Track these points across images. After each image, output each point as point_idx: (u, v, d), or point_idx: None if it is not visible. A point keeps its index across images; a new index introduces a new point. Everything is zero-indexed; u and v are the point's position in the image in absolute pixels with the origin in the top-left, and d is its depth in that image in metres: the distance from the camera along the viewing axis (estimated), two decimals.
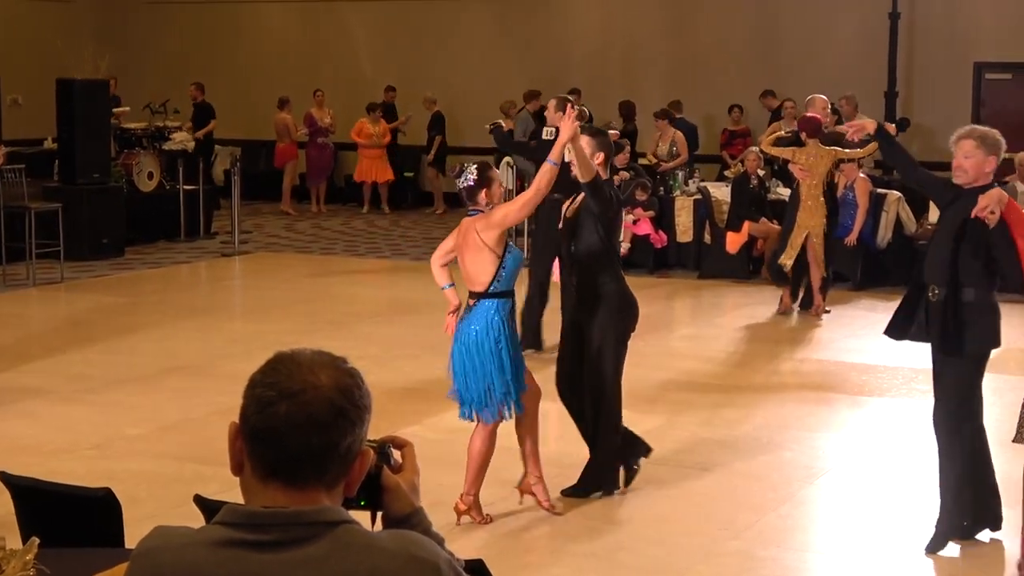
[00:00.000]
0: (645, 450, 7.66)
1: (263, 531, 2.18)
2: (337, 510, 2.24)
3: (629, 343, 7.56)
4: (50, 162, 17.91)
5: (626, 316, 7.44)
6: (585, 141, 7.29)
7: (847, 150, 12.73)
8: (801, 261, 12.96)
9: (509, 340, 6.87)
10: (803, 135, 12.88)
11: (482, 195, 6.82)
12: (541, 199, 7.02)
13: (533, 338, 10.95)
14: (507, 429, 7.10)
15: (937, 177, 7.07)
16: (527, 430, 7.11)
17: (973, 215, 6.35)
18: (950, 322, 6.55)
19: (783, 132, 14.28)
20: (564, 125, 6.90)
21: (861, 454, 8.51)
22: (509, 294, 6.93)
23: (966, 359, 6.67)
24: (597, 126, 11.37)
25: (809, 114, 13.23)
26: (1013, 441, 6.68)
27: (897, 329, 6.95)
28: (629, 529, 7.02)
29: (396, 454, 2.47)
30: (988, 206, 6.35)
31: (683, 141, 17.82)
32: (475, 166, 6.88)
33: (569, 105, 7.29)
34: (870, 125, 7.21)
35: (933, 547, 6.71)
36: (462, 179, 6.84)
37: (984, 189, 6.57)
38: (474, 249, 6.82)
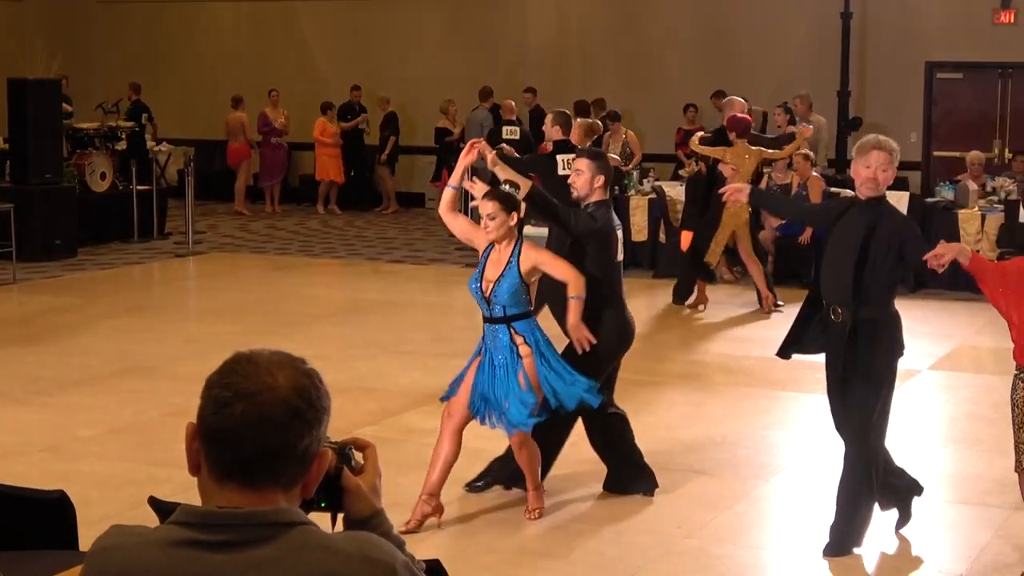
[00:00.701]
0: (649, 487, 7.58)
1: (217, 531, 2.17)
2: (293, 511, 2.23)
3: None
4: (1, 162, 17.77)
5: (612, 339, 7.32)
6: (585, 164, 7.28)
7: (771, 150, 13.16)
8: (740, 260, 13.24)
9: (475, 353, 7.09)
10: (732, 135, 13.03)
11: None
12: (443, 215, 7.18)
13: None
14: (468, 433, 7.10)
15: (816, 204, 6.98)
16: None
17: (928, 262, 6.08)
18: (859, 344, 6.31)
19: (706, 132, 14.53)
20: (463, 153, 7.19)
21: (816, 451, 8.54)
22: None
23: (876, 379, 6.46)
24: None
25: (739, 115, 13.34)
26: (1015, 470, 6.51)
27: (789, 348, 6.77)
28: (586, 528, 7.03)
29: (357, 455, 2.46)
30: (946, 257, 6.04)
31: (636, 141, 17.89)
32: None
33: (473, 141, 7.33)
34: (743, 194, 7.11)
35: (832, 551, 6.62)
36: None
37: (880, 200, 6.40)
38: None
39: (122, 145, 18.56)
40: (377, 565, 2.20)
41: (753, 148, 13.02)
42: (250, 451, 2.19)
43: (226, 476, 2.21)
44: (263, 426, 2.19)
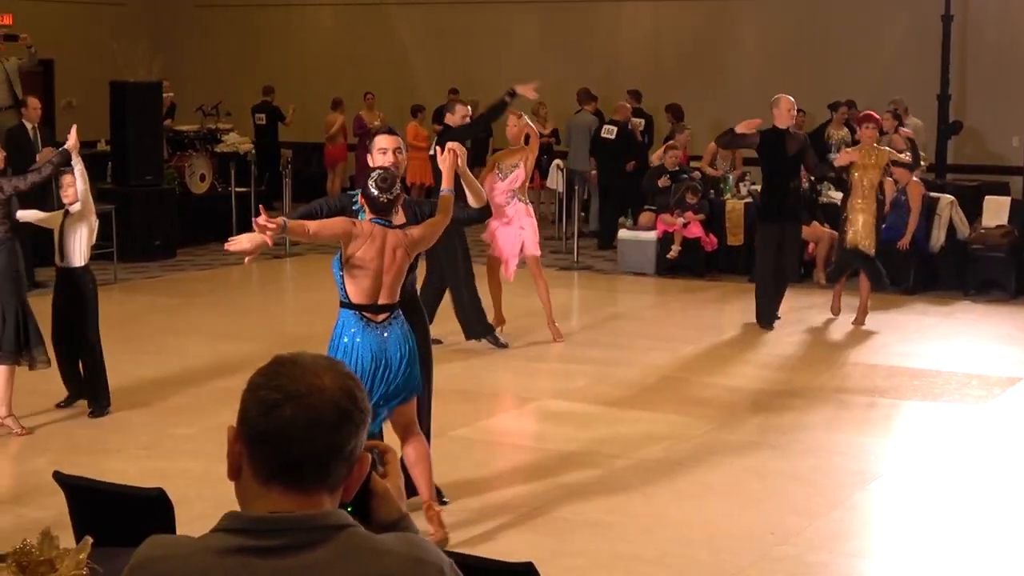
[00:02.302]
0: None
1: (269, 536, 2.17)
2: (341, 514, 2.22)
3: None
4: (103, 164, 18.06)
5: None
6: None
7: (897, 152, 12.99)
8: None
9: None
10: (867, 126, 12.73)
11: (398, 210, 6.48)
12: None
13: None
14: (562, 432, 7.08)
15: None
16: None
17: None
18: None
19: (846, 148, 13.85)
20: (441, 164, 6.71)
21: (914, 459, 8.44)
22: None
23: None
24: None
25: (868, 112, 13.26)
26: None
27: None
28: (678, 532, 6.99)
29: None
30: None
31: (740, 157, 17.74)
32: (376, 176, 6.33)
33: (440, 149, 6.85)
34: None
35: None
36: (392, 191, 6.31)
37: None
38: (399, 267, 6.47)
39: (241, 146, 18.86)
40: (428, 565, 2.19)
41: (882, 148, 12.76)
42: (300, 453, 2.18)
43: (272, 479, 2.20)
44: (314, 427, 2.17)
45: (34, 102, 14.76)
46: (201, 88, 21.83)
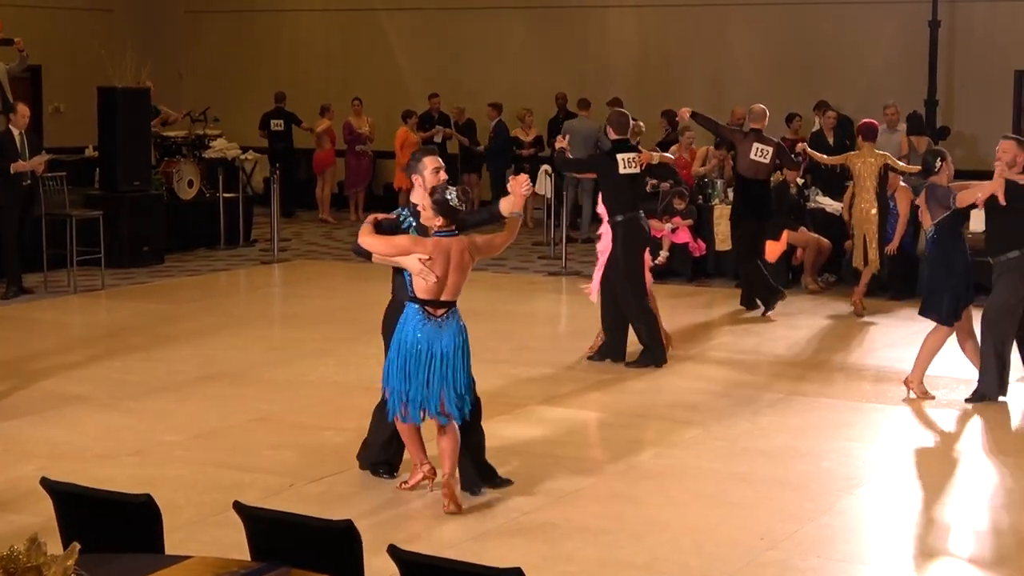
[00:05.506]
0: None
1: None
2: None
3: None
4: (91, 170, 18.05)
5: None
6: None
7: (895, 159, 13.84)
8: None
9: None
10: (859, 139, 13.59)
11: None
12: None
13: None
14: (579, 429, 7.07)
15: None
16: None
17: None
18: None
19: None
20: (515, 192, 7.37)
21: (902, 464, 8.45)
22: None
23: None
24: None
25: (867, 120, 13.86)
26: None
27: None
28: (667, 538, 7.00)
29: None
30: None
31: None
32: (455, 192, 7.06)
33: (514, 176, 7.54)
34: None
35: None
36: (451, 199, 7.02)
37: None
38: (464, 268, 7.22)
39: (228, 151, 18.91)
40: None
41: (878, 152, 13.45)
42: None
43: None
44: None
45: (23, 109, 14.71)
46: (190, 94, 21.84)
